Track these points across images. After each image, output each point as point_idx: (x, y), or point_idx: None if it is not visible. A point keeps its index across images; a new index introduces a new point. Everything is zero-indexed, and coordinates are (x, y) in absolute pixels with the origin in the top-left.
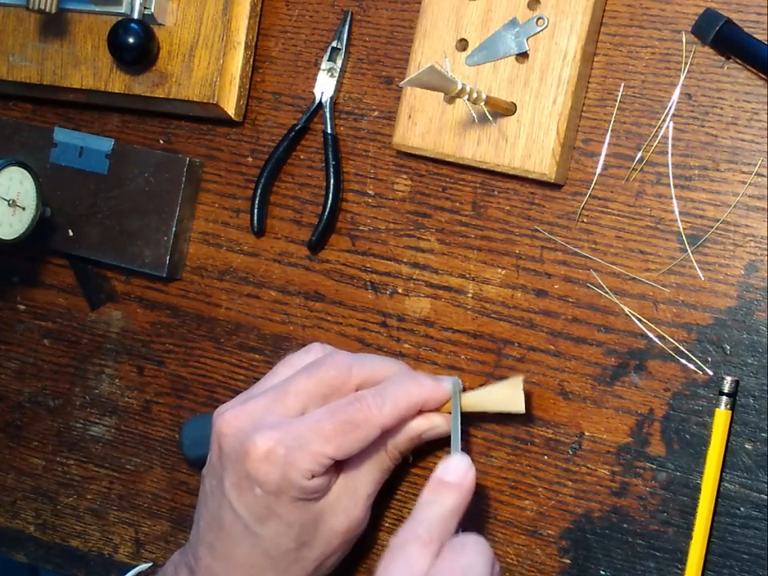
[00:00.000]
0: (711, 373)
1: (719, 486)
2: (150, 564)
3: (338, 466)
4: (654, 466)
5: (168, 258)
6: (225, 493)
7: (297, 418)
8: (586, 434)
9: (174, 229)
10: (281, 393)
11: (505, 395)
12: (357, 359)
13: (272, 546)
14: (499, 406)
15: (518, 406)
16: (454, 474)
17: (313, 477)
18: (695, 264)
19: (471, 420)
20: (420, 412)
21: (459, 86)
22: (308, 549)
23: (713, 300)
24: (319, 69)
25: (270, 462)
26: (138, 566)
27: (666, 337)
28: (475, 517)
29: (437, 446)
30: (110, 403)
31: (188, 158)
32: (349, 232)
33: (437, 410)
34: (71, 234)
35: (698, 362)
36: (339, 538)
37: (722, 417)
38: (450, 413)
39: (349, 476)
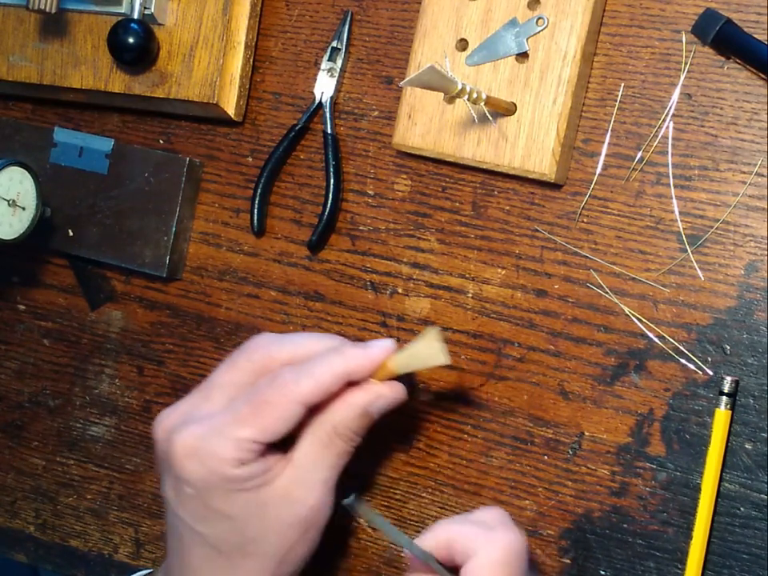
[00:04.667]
0: (711, 373)
1: (719, 485)
2: (150, 571)
3: (285, 455)
4: (654, 466)
5: (168, 258)
6: (167, 499)
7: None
8: (586, 433)
9: (173, 229)
10: (206, 389)
11: (426, 351)
12: (277, 340)
13: (220, 543)
14: (424, 362)
15: (441, 358)
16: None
17: (241, 465)
18: (695, 264)
19: (469, 418)
20: (355, 384)
21: (459, 86)
22: (260, 543)
23: (713, 300)
24: (319, 69)
25: (192, 457)
26: (138, 570)
27: (666, 337)
28: None
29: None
30: (110, 403)
31: (188, 158)
32: (349, 232)
33: (380, 380)
34: (71, 234)
35: (698, 361)
36: (295, 529)
37: (721, 417)
38: (393, 379)
39: (297, 464)
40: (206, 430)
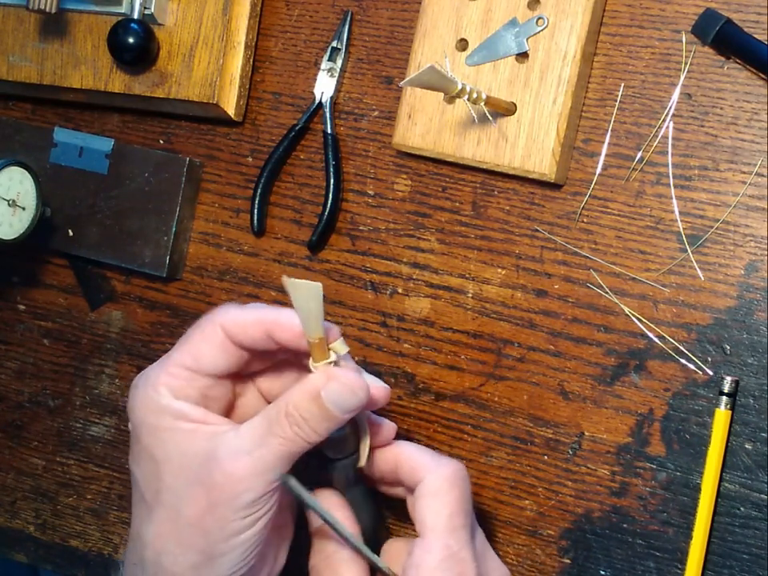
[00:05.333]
0: (711, 373)
1: (719, 485)
2: None
3: (235, 425)
4: (654, 466)
5: (168, 258)
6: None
7: None
8: (586, 434)
9: (173, 229)
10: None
11: (305, 294)
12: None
13: (144, 486)
14: (312, 301)
15: (312, 286)
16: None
17: (175, 397)
18: (695, 264)
19: (469, 418)
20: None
21: (459, 86)
22: (173, 495)
23: (713, 300)
24: (319, 69)
25: (133, 389)
26: None
27: (666, 337)
28: (476, 517)
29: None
30: (110, 403)
31: (188, 158)
32: (349, 232)
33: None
34: (71, 234)
35: (698, 361)
36: (208, 497)
37: (721, 417)
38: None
39: (239, 433)
40: (152, 366)
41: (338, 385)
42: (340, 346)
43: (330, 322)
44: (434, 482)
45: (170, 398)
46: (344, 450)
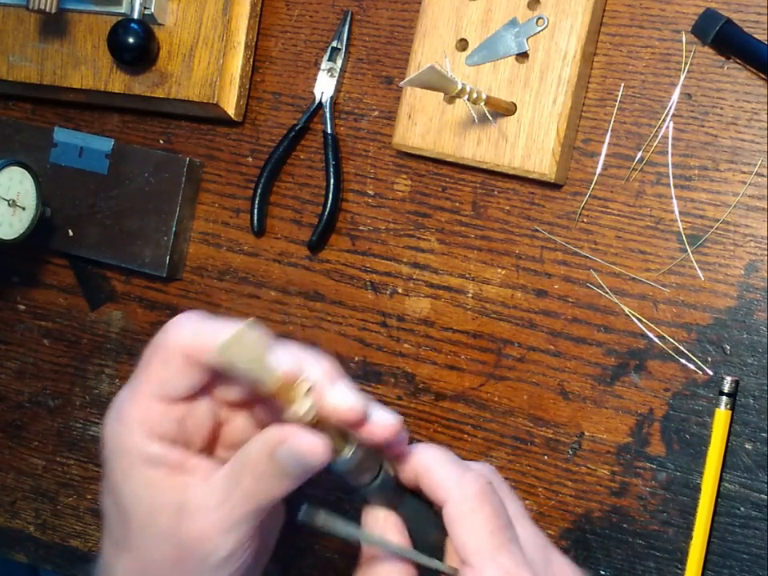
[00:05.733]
0: (711, 373)
1: (719, 485)
2: None
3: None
4: (654, 466)
5: (168, 257)
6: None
7: None
8: (586, 434)
9: (173, 229)
10: None
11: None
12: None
13: (111, 526)
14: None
15: (242, 333)
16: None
17: (147, 435)
18: (695, 264)
19: (469, 418)
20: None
21: (459, 86)
22: (140, 542)
23: (713, 300)
24: (319, 69)
25: (106, 420)
26: None
27: (666, 337)
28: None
29: None
30: (110, 403)
31: (188, 158)
32: (349, 232)
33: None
34: (71, 234)
35: (698, 361)
36: (176, 551)
37: (721, 417)
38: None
39: (210, 484)
40: (122, 396)
41: (288, 450)
42: (306, 384)
43: (295, 349)
44: (460, 504)
45: (143, 439)
46: (365, 474)
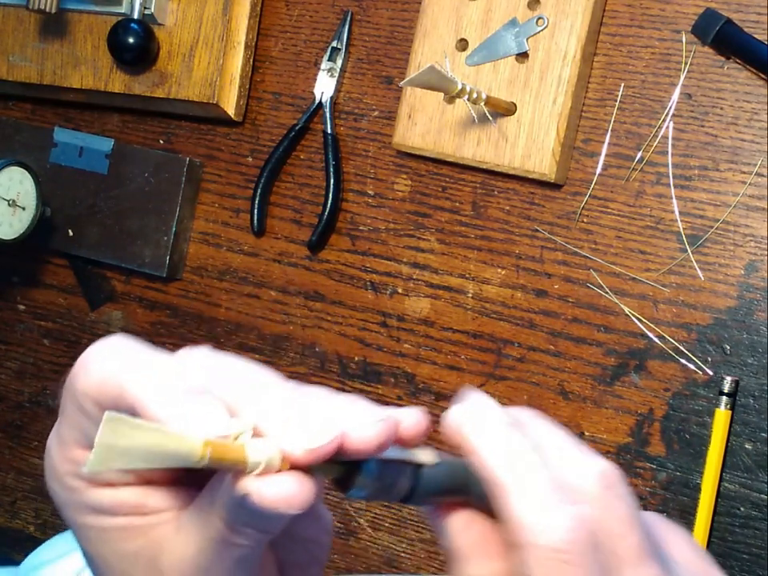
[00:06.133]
0: (711, 373)
1: (719, 485)
2: None
3: (181, 511)
4: (654, 466)
5: (168, 257)
6: None
7: None
8: (586, 434)
9: (174, 229)
10: None
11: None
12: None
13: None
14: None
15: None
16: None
17: (96, 486)
18: (695, 264)
19: None
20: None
21: (459, 86)
22: None
23: (713, 300)
24: (319, 69)
25: (45, 478)
26: None
27: (666, 337)
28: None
29: None
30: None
31: (188, 158)
32: (349, 232)
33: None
34: (71, 234)
35: (698, 361)
36: None
37: (721, 417)
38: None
39: (181, 523)
40: (49, 443)
41: (252, 505)
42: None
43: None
44: (544, 560)
45: (83, 490)
46: (399, 484)
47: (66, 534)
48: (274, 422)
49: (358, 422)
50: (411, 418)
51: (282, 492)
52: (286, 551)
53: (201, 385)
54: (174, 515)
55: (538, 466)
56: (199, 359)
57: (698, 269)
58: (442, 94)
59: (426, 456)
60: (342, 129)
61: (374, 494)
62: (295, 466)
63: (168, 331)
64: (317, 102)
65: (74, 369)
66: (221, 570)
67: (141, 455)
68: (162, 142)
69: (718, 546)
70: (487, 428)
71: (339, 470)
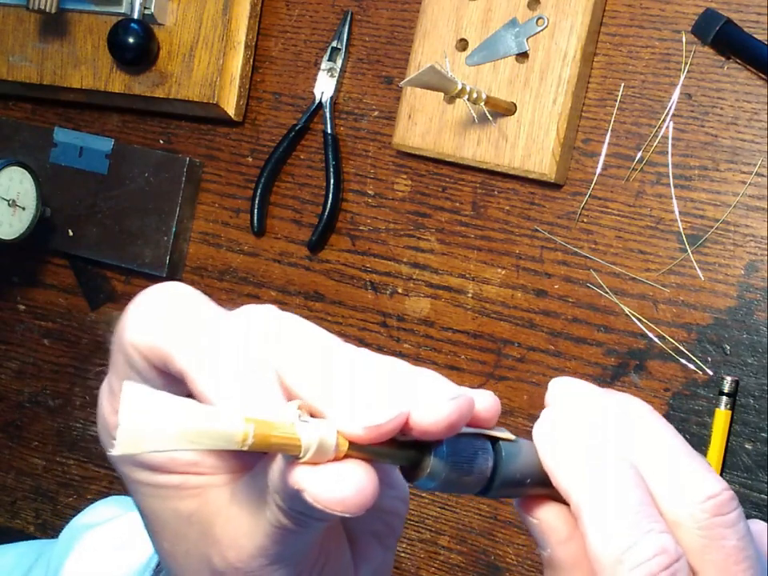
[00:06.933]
0: (711, 373)
1: None
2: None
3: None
4: None
5: (168, 257)
6: None
7: None
8: None
9: (174, 229)
10: None
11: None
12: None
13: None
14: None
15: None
16: None
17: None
18: (695, 264)
19: None
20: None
21: (459, 86)
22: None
23: (713, 300)
24: (319, 69)
25: (97, 426)
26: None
27: (666, 337)
28: (476, 517)
29: None
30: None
31: (188, 158)
32: (349, 232)
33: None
34: (71, 234)
35: (698, 361)
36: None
37: (722, 417)
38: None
39: (236, 490)
40: (104, 387)
41: (306, 501)
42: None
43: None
44: None
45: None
46: (474, 473)
47: (109, 500)
48: (331, 397)
49: (428, 397)
50: (487, 398)
51: (339, 494)
52: (359, 521)
53: (258, 356)
54: (229, 479)
55: (623, 486)
56: (260, 321)
57: (697, 269)
58: (442, 94)
59: (503, 434)
60: (341, 129)
61: (447, 481)
62: (354, 447)
63: None
64: (317, 101)
65: (124, 318)
66: (277, 548)
67: (174, 437)
68: (161, 141)
69: None
70: (560, 441)
71: (406, 455)
